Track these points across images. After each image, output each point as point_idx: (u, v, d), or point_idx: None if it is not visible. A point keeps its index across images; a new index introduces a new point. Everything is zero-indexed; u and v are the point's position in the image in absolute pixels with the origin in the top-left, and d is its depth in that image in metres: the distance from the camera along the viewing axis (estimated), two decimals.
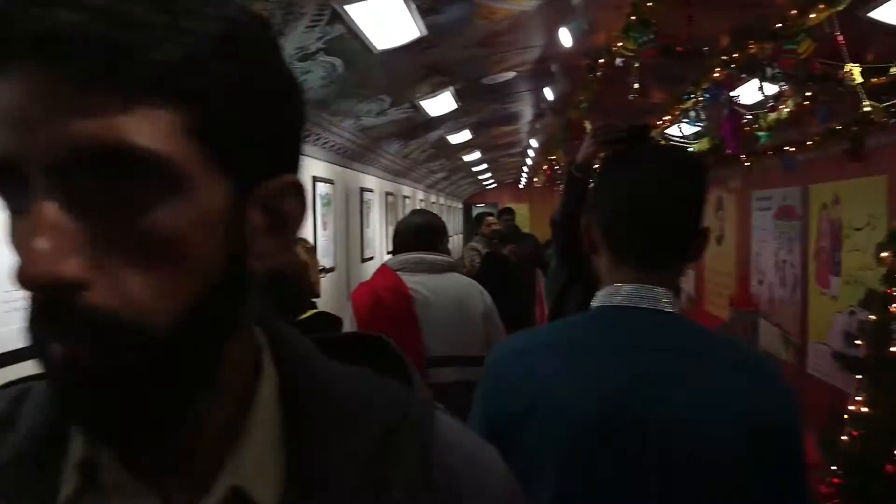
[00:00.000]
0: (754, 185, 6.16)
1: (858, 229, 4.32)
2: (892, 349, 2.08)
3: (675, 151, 1.20)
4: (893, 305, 2.22)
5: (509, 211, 6.89)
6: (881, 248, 2.30)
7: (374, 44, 3.30)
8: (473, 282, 2.43)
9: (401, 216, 7.84)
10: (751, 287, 6.10)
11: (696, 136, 5.81)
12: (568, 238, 1.68)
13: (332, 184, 5.06)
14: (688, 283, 8.33)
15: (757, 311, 4.37)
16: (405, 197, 8.31)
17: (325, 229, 4.80)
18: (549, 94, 4.98)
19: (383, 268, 2.29)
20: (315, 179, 4.64)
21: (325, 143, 4.60)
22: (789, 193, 5.40)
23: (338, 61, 3.22)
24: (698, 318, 4.61)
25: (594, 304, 1.14)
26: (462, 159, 8.99)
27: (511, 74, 4.70)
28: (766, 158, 5.39)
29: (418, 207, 6.18)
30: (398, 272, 2.19)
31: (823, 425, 4.84)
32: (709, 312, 4.69)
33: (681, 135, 5.62)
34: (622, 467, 0.99)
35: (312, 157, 4.57)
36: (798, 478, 1.02)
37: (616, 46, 3.34)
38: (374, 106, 4.34)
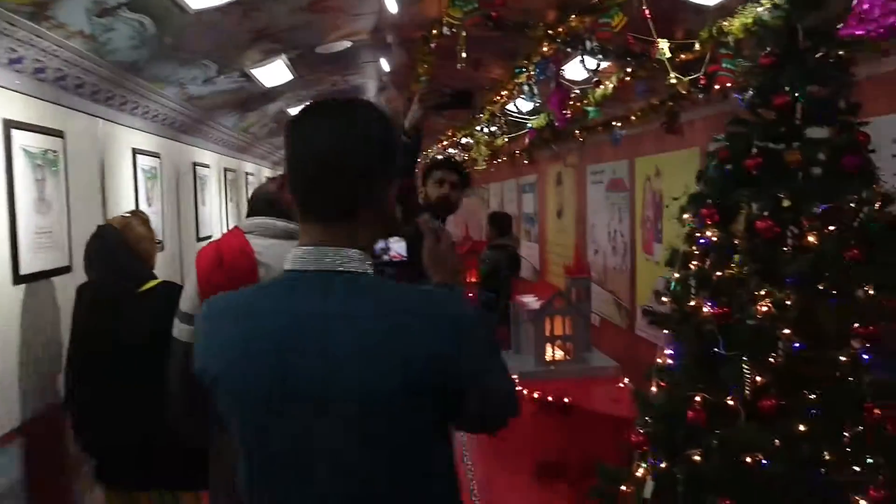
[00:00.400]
0: (589, 159, 6.46)
1: (675, 198, 4.62)
2: (690, 303, 2.21)
3: (353, 104, 1.19)
4: (693, 262, 2.36)
5: None
6: (682, 210, 2.42)
7: (189, 3, 3.06)
8: None
9: (244, 194, 7.50)
10: (587, 257, 6.42)
11: (534, 112, 5.98)
12: (401, 207, 1.70)
13: (157, 157, 4.70)
14: (532, 256, 8.65)
15: (589, 277, 4.57)
16: (248, 174, 7.93)
17: (150, 205, 4.45)
18: (386, 65, 4.90)
19: (235, 228, 2.24)
20: (135, 152, 4.28)
21: (147, 112, 4.25)
22: (618, 167, 5.70)
23: (146, 19, 2.95)
24: (540, 290, 4.76)
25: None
26: None
27: (346, 44, 4.57)
28: (598, 134, 5.65)
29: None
30: (247, 234, 2.10)
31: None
32: (549, 282, 4.87)
33: (517, 111, 5.76)
34: (288, 432, 1.08)
35: (132, 127, 4.21)
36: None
37: (445, 16, 3.32)
38: (199, 73, 4.06)
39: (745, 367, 1.99)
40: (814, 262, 1.97)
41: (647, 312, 2.53)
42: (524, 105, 5.66)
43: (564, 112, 4.64)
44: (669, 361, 2.35)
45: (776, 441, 1.93)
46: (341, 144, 1.13)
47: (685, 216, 2.45)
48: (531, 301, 4.52)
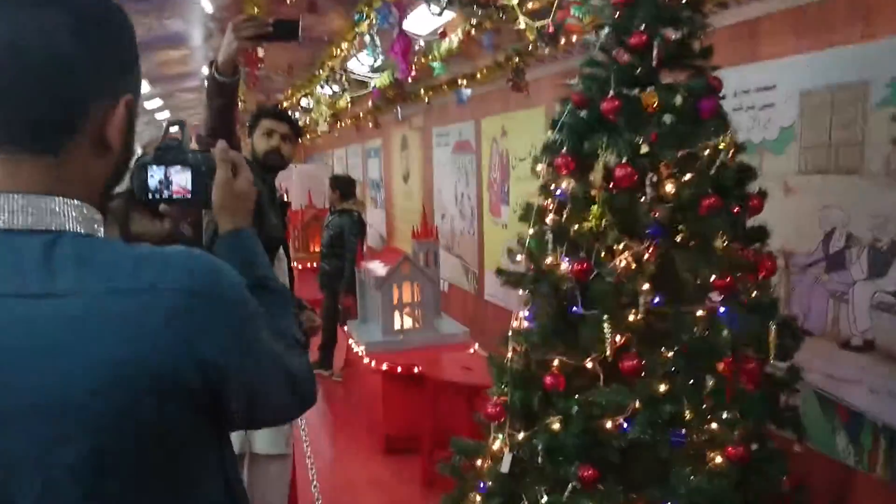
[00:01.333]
0: (435, 121, 6.26)
1: (522, 159, 4.54)
2: (547, 260, 2.03)
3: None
4: (549, 217, 2.19)
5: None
6: (535, 160, 2.24)
7: None
8: None
9: None
10: (434, 221, 6.26)
11: (378, 69, 5.66)
12: None
13: None
14: (379, 223, 8.39)
15: (436, 241, 4.39)
16: None
17: None
18: (209, 6, 4.36)
19: None
20: None
21: None
22: (464, 128, 5.54)
23: None
24: (387, 256, 4.50)
25: None
26: None
27: None
28: (443, 94, 5.45)
29: None
30: None
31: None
32: (397, 248, 4.65)
33: (361, 65, 5.42)
34: None
35: None
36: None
37: None
38: None
39: (606, 325, 1.85)
40: (671, 211, 1.87)
41: (500, 272, 2.34)
42: (366, 61, 5.34)
43: (408, 64, 4.39)
44: (525, 324, 2.19)
45: (637, 403, 1.82)
46: (32, 30, 0.75)
47: (539, 167, 2.27)
48: (378, 268, 4.27)
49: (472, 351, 3.98)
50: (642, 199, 1.92)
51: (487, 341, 5.06)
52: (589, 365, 1.92)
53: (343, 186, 5.18)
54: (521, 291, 2.30)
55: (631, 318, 1.87)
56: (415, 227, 4.73)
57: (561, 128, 2.16)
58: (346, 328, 4.58)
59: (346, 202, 5.11)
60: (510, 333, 2.27)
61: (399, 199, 7.69)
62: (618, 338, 1.86)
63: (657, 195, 1.92)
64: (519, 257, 2.32)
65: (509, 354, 2.26)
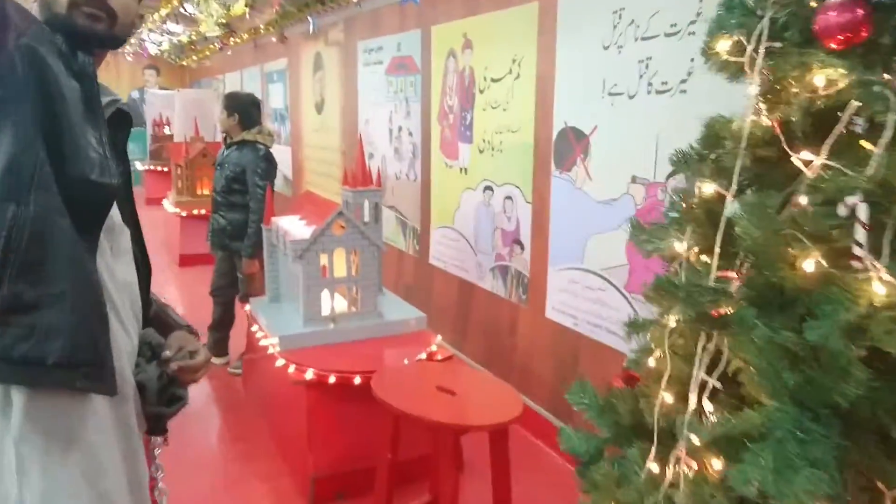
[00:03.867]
0: (362, 32, 4.89)
1: (497, 79, 3.32)
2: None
3: None
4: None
5: None
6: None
7: None
8: None
9: None
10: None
11: None
12: None
13: None
14: (283, 163, 6.94)
15: (379, 189, 3.15)
16: None
17: None
18: None
19: None
20: None
21: None
22: (405, 40, 4.23)
23: None
24: (306, 208, 3.21)
25: None
26: None
27: None
28: None
29: None
30: None
31: (453, 327, 4.24)
32: (314, 195, 3.35)
33: None
34: None
35: None
36: None
37: None
38: None
39: None
40: None
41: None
42: None
43: None
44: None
45: None
46: None
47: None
48: (295, 226, 2.97)
49: (434, 347, 2.82)
50: None
51: (440, 323, 3.94)
52: None
53: (243, 108, 3.77)
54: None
55: None
56: (346, 169, 3.45)
57: None
58: (248, 308, 3.28)
59: (248, 131, 3.73)
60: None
61: (310, 135, 6.28)
62: None
63: None
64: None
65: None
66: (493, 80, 3.36)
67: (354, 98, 5.10)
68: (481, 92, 3.47)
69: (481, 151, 3.51)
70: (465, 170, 3.67)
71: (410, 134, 4.28)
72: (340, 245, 2.83)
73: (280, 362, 2.67)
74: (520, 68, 3.15)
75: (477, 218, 3.60)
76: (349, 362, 2.64)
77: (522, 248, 3.25)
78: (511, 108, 3.23)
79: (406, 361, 2.65)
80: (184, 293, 5.59)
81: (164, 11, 7.24)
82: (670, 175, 2.25)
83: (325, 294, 2.85)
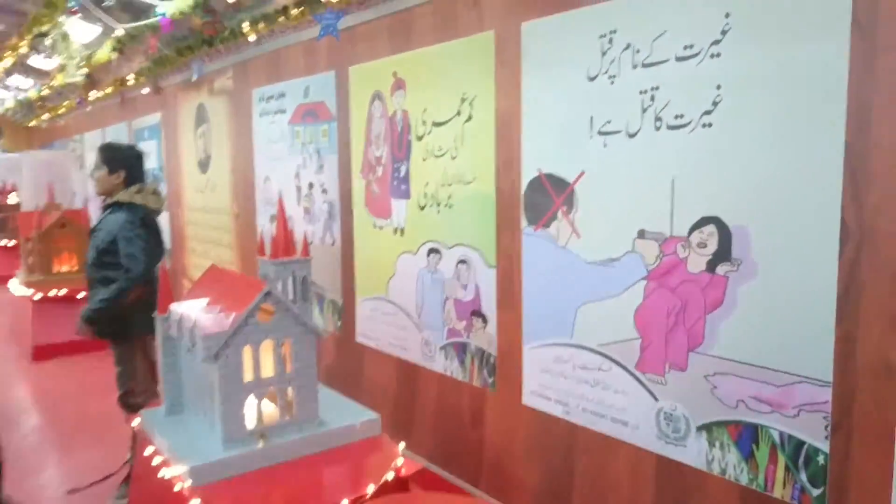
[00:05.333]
0: (258, 77, 4.25)
1: (441, 123, 2.82)
2: None
3: None
4: None
5: None
6: None
7: None
8: None
9: None
10: (256, 227, 4.26)
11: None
12: None
13: None
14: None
15: (309, 258, 2.51)
16: None
17: None
18: None
19: None
20: None
21: None
22: (316, 83, 3.65)
23: None
24: (207, 284, 2.49)
25: None
26: None
27: None
28: (287, 33, 3.52)
29: None
30: None
31: (393, 419, 2.92)
32: (222, 270, 2.60)
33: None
34: None
35: None
36: None
37: None
38: None
39: None
40: None
41: None
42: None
43: None
44: None
45: None
46: None
47: None
48: (202, 314, 2.26)
49: (400, 460, 2.17)
50: None
51: (391, 422, 3.22)
52: None
53: (130, 163, 3.01)
54: None
55: None
56: (234, 235, 2.81)
57: None
58: (136, 423, 2.48)
59: (126, 191, 2.97)
60: None
61: (193, 196, 5.48)
62: None
63: None
64: None
65: None
66: (436, 124, 2.84)
67: (249, 153, 4.42)
68: (419, 139, 2.94)
69: (422, 208, 2.96)
70: (401, 230, 3.10)
71: (325, 191, 3.67)
72: (269, 335, 2.16)
73: None
74: (472, 108, 2.66)
75: (420, 287, 3.02)
76: (290, 498, 1.94)
77: (485, 321, 2.70)
78: (462, 155, 2.72)
79: (370, 490, 1.99)
80: (39, 395, 4.54)
81: (7, 62, 6.23)
82: (696, 226, 1.81)
83: (251, 402, 2.15)
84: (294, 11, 3.18)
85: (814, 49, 1.64)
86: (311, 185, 3.79)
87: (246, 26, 3.57)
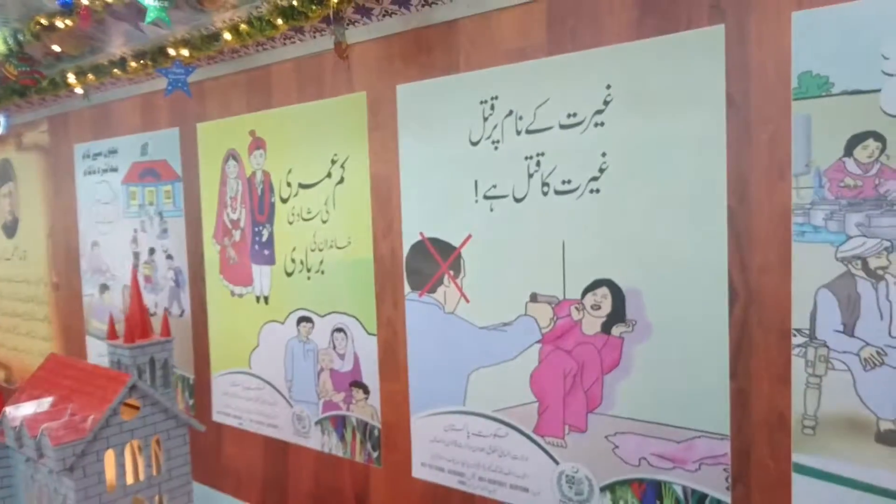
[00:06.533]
0: (79, 133, 3.82)
1: (310, 185, 2.68)
2: None
3: None
4: None
5: None
6: None
7: None
8: None
9: None
10: (80, 296, 3.76)
11: None
12: None
13: None
14: None
15: (171, 339, 2.24)
16: None
17: None
18: None
19: None
20: None
21: None
22: (156, 140, 3.34)
23: None
24: (49, 379, 2.16)
25: None
26: None
27: None
28: (122, 76, 3.22)
29: None
30: None
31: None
32: (64, 359, 2.19)
33: None
34: None
35: None
36: None
37: None
38: None
39: None
40: None
41: None
42: None
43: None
44: None
45: None
46: None
47: None
48: (46, 416, 1.91)
49: None
50: None
51: (245, 497, 2.93)
52: None
53: None
54: None
55: None
56: (110, 315, 2.49)
57: None
58: None
59: None
60: None
61: None
62: None
63: None
64: None
65: None
66: (303, 186, 2.70)
67: (72, 215, 3.94)
68: (284, 201, 2.78)
69: (289, 274, 2.78)
70: (265, 298, 2.89)
71: (170, 257, 3.34)
72: (134, 435, 1.87)
73: None
74: (343, 170, 2.56)
75: (290, 358, 2.82)
76: None
77: (366, 391, 2.57)
78: (334, 218, 2.60)
79: None
80: None
81: None
82: (589, 289, 1.85)
83: None
84: (133, 64, 2.89)
85: (693, 119, 1.76)
86: (152, 251, 3.44)
87: (71, 77, 3.20)
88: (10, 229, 4.53)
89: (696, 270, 1.78)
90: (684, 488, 1.84)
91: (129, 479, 1.86)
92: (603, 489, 1.98)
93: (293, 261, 2.76)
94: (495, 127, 2.13)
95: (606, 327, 1.94)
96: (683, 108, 1.77)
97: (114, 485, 1.82)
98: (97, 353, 3.82)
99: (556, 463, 2.07)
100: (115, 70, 3.02)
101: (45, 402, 1.98)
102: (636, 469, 1.92)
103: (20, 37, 2.89)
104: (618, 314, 1.91)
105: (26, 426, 1.85)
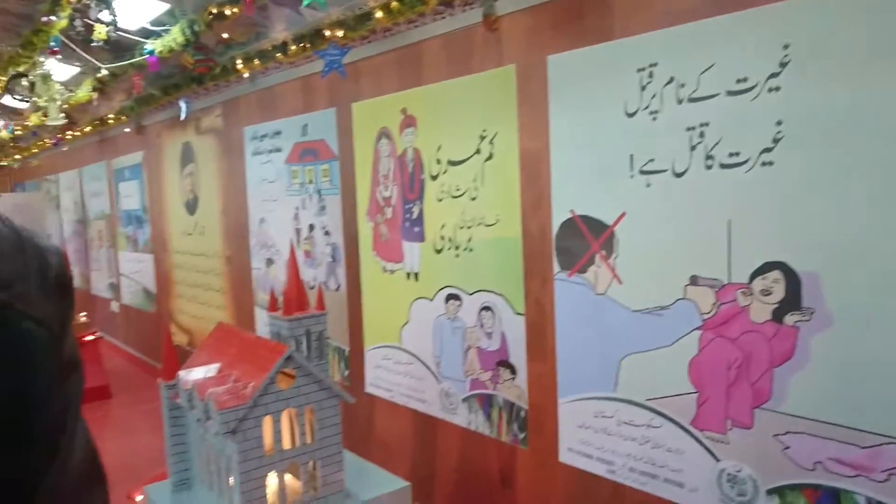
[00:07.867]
0: (248, 115, 4.08)
1: (458, 162, 2.66)
2: None
3: None
4: None
5: None
6: None
7: None
8: None
9: None
10: (250, 272, 4.04)
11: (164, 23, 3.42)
12: None
13: None
14: (143, 274, 5.79)
15: (324, 313, 2.32)
16: None
17: None
18: None
19: None
20: None
21: None
22: (315, 121, 3.48)
23: None
24: (216, 345, 2.30)
25: None
26: None
27: None
28: (286, 60, 3.36)
29: None
30: None
31: (411, 473, 3.16)
32: (231, 328, 2.36)
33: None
34: None
35: None
36: None
37: None
38: None
39: None
40: None
41: None
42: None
43: None
44: None
45: None
46: None
47: None
48: (213, 382, 2.05)
49: None
50: None
51: (392, 468, 3.01)
52: None
53: None
54: None
55: None
56: (271, 289, 2.61)
57: None
58: (139, 498, 2.25)
59: None
60: None
61: (179, 240, 5.25)
62: None
63: None
64: None
65: None
66: (452, 163, 2.69)
67: (242, 194, 4.23)
68: (434, 178, 2.78)
69: (438, 251, 2.79)
70: (415, 275, 2.92)
71: (327, 233, 3.48)
72: (290, 403, 1.96)
73: None
74: (492, 146, 2.51)
75: (438, 334, 2.84)
76: None
77: (513, 371, 2.52)
78: (483, 195, 2.56)
79: None
80: None
81: None
82: (759, 272, 1.67)
83: (272, 479, 1.94)
84: (293, 47, 3.01)
85: (889, 82, 1.51)
86: (311, 227, 3.60)
87: (239, 63, 3.40)
88: (192, 207, 4.95)
89: (890, 254, 1.54)
90: (868, 500, 1.62)
91: (285, 445, 1.97)
92: (770, 492, 1.80)
93: (442, 238, 2.77)
94: (654, 96, 1.98)
95: (778, 315, 1.74)
96: (883, 67, 1.53)
97: (271, 449, 1.93)
98: (263, 322, 4.09)
99: (717, 460, 1.92)
100: (278, 54, 3.16)
101: (213, 368, 2.14)
102: (810, 473, 1.72)
103: (196, 27, 3.10)
104: (792, 301, 1.72)
105: (196, 389, 2.01)
